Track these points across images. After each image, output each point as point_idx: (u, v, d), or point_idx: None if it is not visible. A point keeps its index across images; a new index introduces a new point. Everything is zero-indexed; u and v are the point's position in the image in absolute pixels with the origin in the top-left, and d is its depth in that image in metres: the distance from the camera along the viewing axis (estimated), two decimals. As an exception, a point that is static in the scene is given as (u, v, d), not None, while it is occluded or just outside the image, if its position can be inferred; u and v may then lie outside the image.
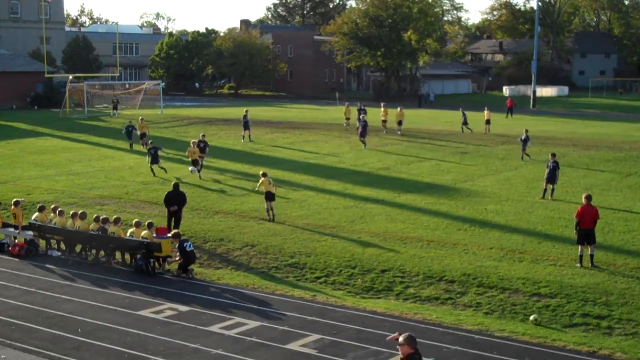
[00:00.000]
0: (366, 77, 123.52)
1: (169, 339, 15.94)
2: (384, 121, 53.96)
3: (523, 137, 40.19)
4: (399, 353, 10.31)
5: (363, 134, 45.70)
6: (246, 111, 51.09)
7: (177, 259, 21.05)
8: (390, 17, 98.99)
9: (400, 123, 52.16)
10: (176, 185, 25.59)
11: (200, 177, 34.50)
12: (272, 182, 26.90)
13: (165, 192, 25.62)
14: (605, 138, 50.85)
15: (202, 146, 36.82)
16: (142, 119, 47.67)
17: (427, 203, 29.47)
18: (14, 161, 41.10)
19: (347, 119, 56.33)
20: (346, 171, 37.35)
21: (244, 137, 49.66)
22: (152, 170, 35.86)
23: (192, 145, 35.83)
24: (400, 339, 10.26)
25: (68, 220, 23.32)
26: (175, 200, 24.86)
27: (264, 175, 26.77)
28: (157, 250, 21.08)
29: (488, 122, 54.12)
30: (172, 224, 24.64)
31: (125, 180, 34.76)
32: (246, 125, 49.72)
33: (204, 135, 39.21)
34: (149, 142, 38.79)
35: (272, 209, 26.52)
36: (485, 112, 54.70)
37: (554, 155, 30.48)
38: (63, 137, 51.71)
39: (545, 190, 29.91)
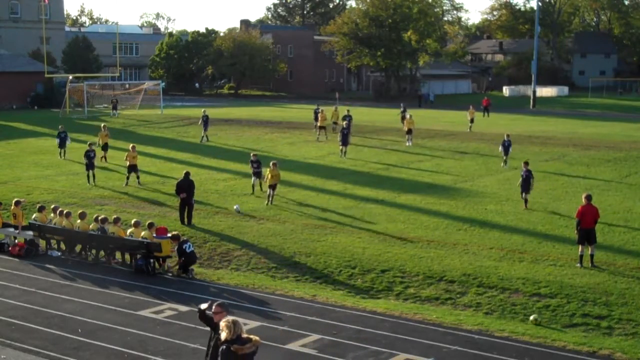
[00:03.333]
0: (366, 77, 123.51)
1: (169, 339, 15.93)
2: (335, 123, 51.46)
3: (506, 143, 37.77)
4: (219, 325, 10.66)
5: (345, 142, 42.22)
6: (204, 111, 51.48)
7: (178, 261, 21.03)
8: (390, 17, 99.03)
9: (410, 132, 46.79)
10: (187, 174, 26.73)
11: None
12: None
13: (177, 181, 26.98)
14: (605, 138, 50.87)
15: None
16: (104, 126, 42.35)
17: (427, 203, 29.47)
18: (14, 161, 41.09)
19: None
20: (346, 171, 37.35)
21: (203, 137, 49.64)
22: (60, 154, 37.94)
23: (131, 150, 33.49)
24: (214, 308, 10.94)
25: (64, 221, 23.24)
26: (184, 187, 25.97)
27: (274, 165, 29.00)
28: (157, 250, 21.06)
29: (472, 120, 54.44)
30: (185, 213, 26.05)
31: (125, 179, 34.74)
32: (205, 125, 49.82)
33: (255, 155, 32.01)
34: (59, 126, 37.42)
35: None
36: (469, 111, 55.28)
37: (526, 163, 28.79)
38: (63, 137, 51.69)
39: (526, 200, 28.13)
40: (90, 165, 33.83)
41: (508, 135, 38.94)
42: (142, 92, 78.35)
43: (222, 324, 10.25)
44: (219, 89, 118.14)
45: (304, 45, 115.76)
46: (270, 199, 28.84)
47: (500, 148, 38.52)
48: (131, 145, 34.60)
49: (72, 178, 35.38)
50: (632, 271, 20.33)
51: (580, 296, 18.44)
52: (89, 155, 33.88)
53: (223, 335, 10.15)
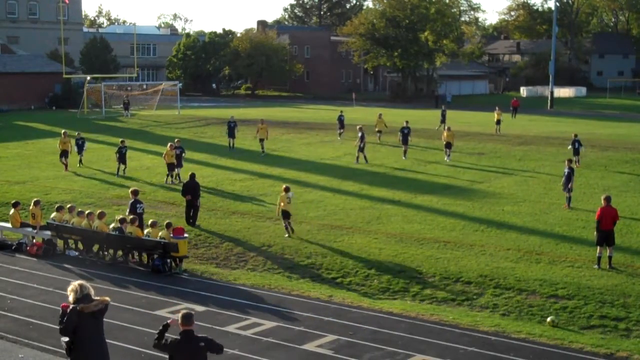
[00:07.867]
0: (383, 77, 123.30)
1: (185, 338, 15.93)
2: (379, 131, 48.80)
3: (576, 144, 37.84)
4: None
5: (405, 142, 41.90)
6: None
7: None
8: (407, 18, 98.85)
9: (449, 146, 41.16)
10: (192, 176, 26.90)
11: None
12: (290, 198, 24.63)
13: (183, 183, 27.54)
14: (623, 139, 50.49)
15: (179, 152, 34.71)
16: (64, 133, 39.52)
17: (444, 204, 29.40)
18: (32, 161, 41.36)
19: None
20: (362, 172, 37.33)
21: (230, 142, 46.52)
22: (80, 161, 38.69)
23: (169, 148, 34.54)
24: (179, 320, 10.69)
25: (83, 220, 23.36)
26: (189, 189, 26.12)
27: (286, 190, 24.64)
28: (174, 250, 21.14)
29: (498, 122, 53.79)
30: (191, 213, 26.20)
31: (142, 180, 34.88)
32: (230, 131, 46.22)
33: (178, 140, 36.55)
34: (77, 133, 39.87)
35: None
36: (496, 112, 54.49)
37: (570, 161, 29.64)
38: (81, 138, 51.94)
39: (568, 199, 28.58)
40: (121, 160, 36.11)
41: (576, 135, 38.88)
42: (159, 92, 78.63)
43: (69, 288, 10.83)
44: (236, 89, 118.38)
45: (320, 46, 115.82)
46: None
47: (573, 148, 38.08)
48: (169, 143, 35.48)
49: (89, 178, 35.55)
50: (650, 273, 20.20)
51: (597, 298, 18.34)
52: (121, 151, 36.04)
53: (70, 298, 10.74)
